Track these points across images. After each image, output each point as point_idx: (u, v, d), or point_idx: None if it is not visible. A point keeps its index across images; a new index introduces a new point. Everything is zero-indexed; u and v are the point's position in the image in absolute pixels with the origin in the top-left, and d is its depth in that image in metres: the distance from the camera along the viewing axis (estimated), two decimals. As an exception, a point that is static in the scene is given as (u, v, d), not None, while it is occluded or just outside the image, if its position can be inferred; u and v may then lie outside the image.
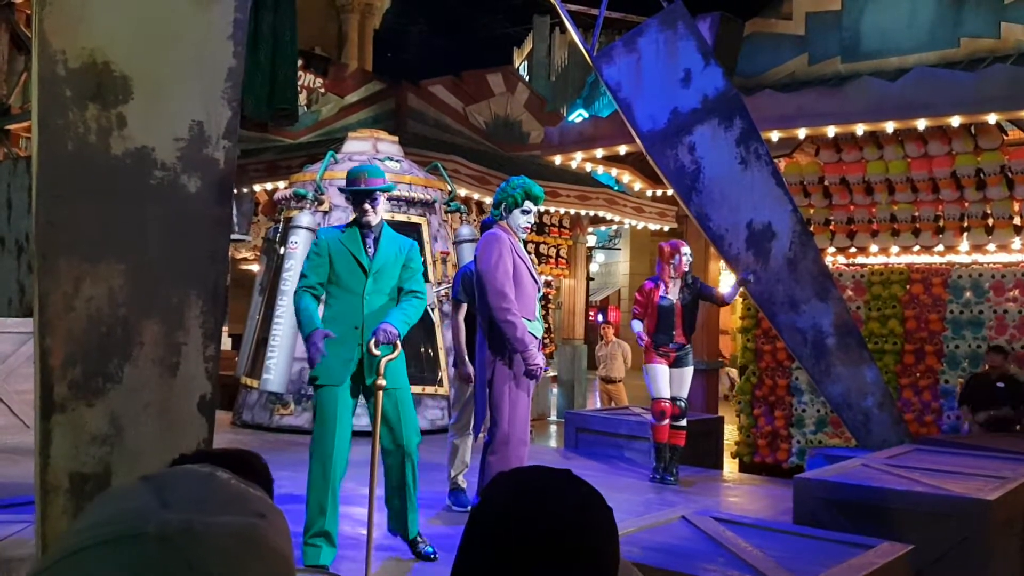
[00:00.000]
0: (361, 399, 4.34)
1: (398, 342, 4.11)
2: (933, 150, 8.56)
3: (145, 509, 0.75)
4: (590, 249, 20.47)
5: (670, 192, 7.97)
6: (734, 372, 12.61)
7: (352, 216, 4.41)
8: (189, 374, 2.50)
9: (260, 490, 0.85)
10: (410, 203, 9.15)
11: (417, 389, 8.72)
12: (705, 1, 9.77)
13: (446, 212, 9.32)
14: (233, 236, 11.80)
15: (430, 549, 4.39)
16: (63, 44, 2.33)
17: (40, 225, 2.36)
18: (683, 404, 6.65)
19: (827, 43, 8.87)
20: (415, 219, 9.16)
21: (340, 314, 4.22)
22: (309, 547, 4.09)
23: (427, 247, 9.11)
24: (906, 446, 5.84)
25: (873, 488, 4.34)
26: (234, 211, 11.88)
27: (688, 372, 6.69)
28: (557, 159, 10.25)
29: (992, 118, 7.70)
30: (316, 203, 8.70)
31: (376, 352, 4.04)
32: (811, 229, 8.64)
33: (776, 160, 7.41)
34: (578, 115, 22.22)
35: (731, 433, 9.66)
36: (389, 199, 9.09)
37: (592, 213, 14.20)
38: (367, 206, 4.27)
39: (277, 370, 8.20)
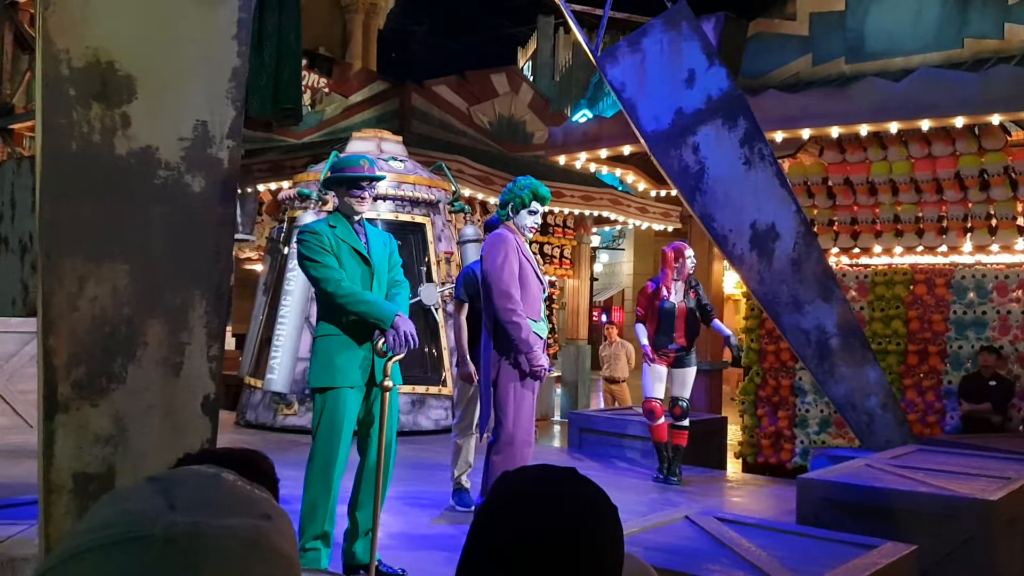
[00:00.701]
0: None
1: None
2: (937, 151, 8.56)
3: (152, 511, 0.75)
4: (594, 249, 20.45)
5: (674, 192, 7.97)
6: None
7: (334, 208, 4.18)
8: (193, 374, 2.49)
9: (265, 491, 0.85)
10: (414, 203, 9.16)
11: (421, 389, 8.76)
12: (709, 1, 9.78)
13: (450, 212, 9.32)
14: (237, 236, 11.80)
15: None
16: (67, 43, 2.32)
17: (44, 225, 2.35)
18: (685, 404, 6.64)
19: (831, 44, 8.85)
20: (419, 219, 9.16)
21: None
22: (309, 551, 3.96)
23: (431, 247, 9.11)
24: (910, 447, 5.83)
25: (877, 488, 4.34)
26: (238, 211, 11.87)
27: (690, 372, 6.69)
28: (561, 159, 10.24)
29: (996, 119, 7.69)
30: (320, 203, 8.70)
31: (385, 352, 3.89)
32: (815, 229, 8.64)
33: (780, 160, 7.40)
34: (582, 115, 22.16)
35: (735, 433, 9.66)
36: (393, 199, 9.13)
37: (596, 213, 14.19)
38: (365, 194, 4.08)
39: (281, 370, 8.21)
